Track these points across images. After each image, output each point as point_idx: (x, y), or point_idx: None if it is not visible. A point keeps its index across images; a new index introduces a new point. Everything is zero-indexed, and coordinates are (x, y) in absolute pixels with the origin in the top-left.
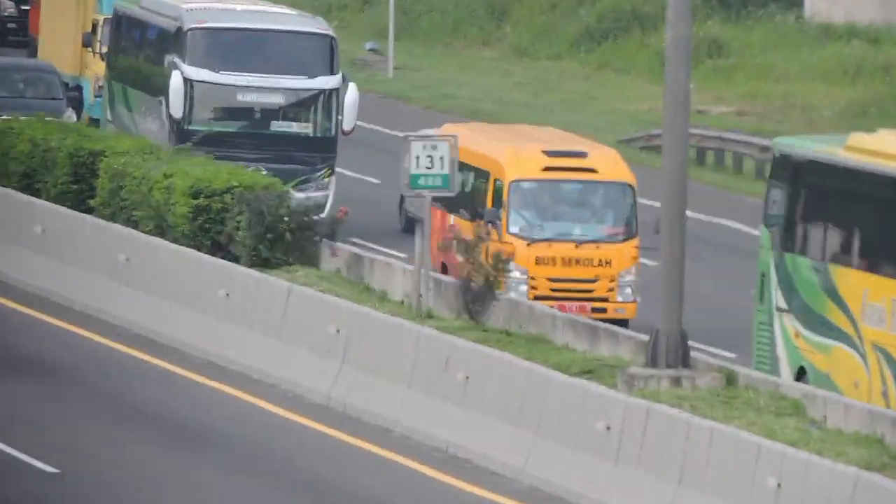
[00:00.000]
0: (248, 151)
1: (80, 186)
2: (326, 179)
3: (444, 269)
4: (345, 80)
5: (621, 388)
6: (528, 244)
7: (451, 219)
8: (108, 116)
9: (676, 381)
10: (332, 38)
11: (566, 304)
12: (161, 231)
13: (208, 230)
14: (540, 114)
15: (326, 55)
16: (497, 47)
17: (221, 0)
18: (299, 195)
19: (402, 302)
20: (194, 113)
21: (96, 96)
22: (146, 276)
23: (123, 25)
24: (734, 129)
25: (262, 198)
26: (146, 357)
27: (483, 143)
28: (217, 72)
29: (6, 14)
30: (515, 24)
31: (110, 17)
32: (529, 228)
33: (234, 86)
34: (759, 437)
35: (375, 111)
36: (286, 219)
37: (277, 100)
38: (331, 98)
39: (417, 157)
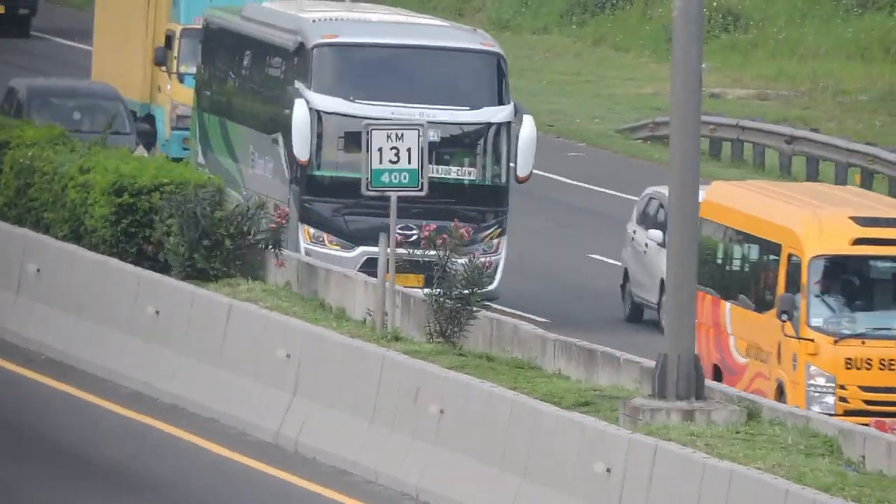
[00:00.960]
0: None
1: None
2: (496, 241)
3: (718, 374)
4: (517, 112)
5: (624, 424)
6: (836, 342)
7: (727, 308)
8: (200, 158)
9: (689, 415)
10: (499, 56)
11: (887, 421)
12: (77, 236)
13: (133, 235)
14: (523, 98)
15: (493, 79)
16: (474, 18)
17: (351, 7)
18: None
19: (364, 321)
20: (323, 154)
21: (174, 128)
22: (60, 291)
23: (219, 41)
24: (754, 117)
25: (197, 198)
26: (61, 385)
27: (769, 206)
28: (351, 101)
29: None
30: None
31: (190, 27)
32: (837, 321)
33: (375, 119)
34: (786, 480)
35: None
36: (225, 223)
37: (430, 137)
38: (500, 135)
39: (380, 150)
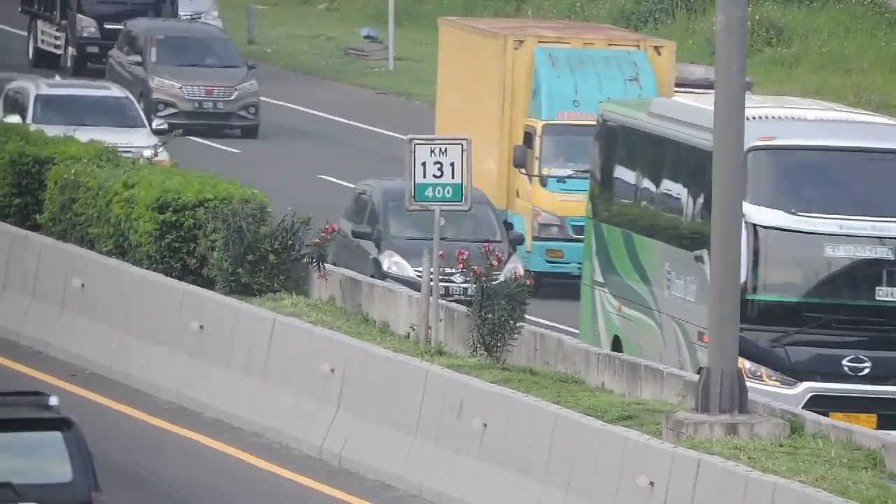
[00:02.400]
0: (841, 331)
1: (24, 200)
2: None
3: None
4: None
5: (667, 437)
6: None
7: None
8: (598, 276)
9: (732, 429)
10: None
11: None
12: (122, 251)
13: (177, 250)
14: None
15: None
16: None
17: (780, 102)
18: None
19: (408, 335)
20: (761, 274)
21: (536, 238)
22: (105, 306)
23: (621, 140)
24: None
25: (242, 213)
26: (105, 400)
27: None
28: (793, 213)
29: (85, 35)
30: (538, 5)
31: (552, 122)
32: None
33: (820, 234)
34: (829, 494)
35: (373, 110)
36: (269, 238)
37: (887, 255)
38: None
39: (424, 164)
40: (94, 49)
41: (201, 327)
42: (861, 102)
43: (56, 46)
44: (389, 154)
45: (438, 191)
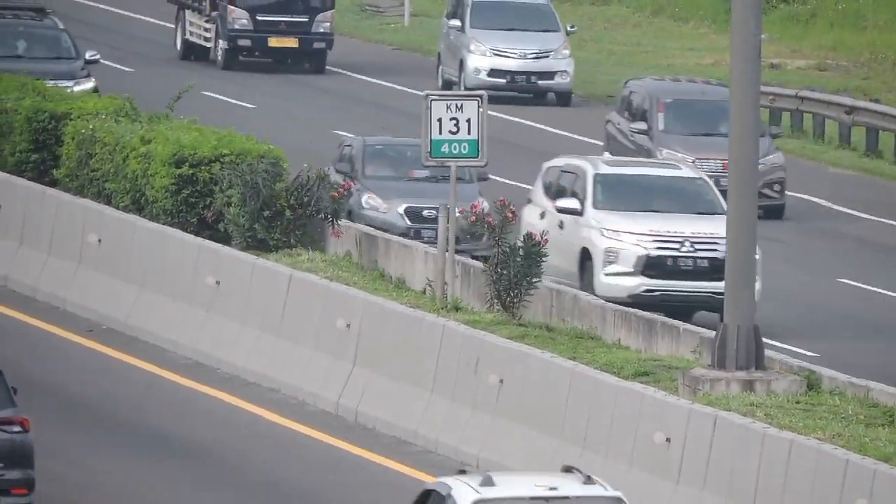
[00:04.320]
0: None
1: (41, 155)
2: None
3: None
4: None
5: (683, 394)
6: None
7: None
8: None
9: (748, 385)
10: None
11: None
12: (138, 207)
13: (194, 206)
14: (584, 68)
15: None
16: None
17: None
18: None
19: (424, 291)
20: None
21: None
22: (121, 261)
23: None
24: (814, 87)
25: (258, 168)
26: (122, 356)
27: None
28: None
29: (237, 28)
30: None
31: None
32: None
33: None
34: (846, 450)
35: (389, 66)
36: (285, 193)
37: None
38: None
39: (440, 120)
40: (245, 42)
41: (217, 283)
42: (877, 58)
43: (206, 39)
44: (404, 109)
45: (454, 147)
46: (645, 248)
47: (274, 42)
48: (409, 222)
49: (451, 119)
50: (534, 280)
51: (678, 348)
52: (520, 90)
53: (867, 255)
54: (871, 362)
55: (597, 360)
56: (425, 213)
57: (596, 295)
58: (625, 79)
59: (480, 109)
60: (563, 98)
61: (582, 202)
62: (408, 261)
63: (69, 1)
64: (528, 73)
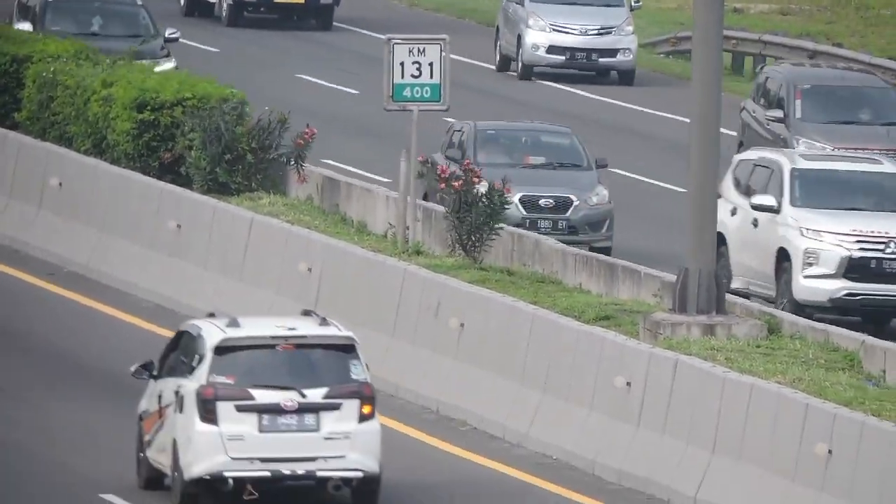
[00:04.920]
0: None
1: (2, 98)
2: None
3: None
4: None
5: (644, 338)
6: None
7: None
8: None
9: (709, 330)
10: None
11: None
12: (100, 150)
13: (155, 149)
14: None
15: None
16: None
17: None
18: None
19: (386, 235)
20: None
21: None
22: (82, 204)
23: None
24: (777, 31)
25: (219, 112)
26: (84, 299)
27: None
28: None
29: None
30: None
31: None
32: None
33: None
34: (806, 395)
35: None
36: (247, 137)
37: None
38: None
39: (402, 64)
40: None
41: (179, 226)
42: (840, 2)
43: None
44: (367, 54)
45: (416, 91)
46: (847, 248)
47: None
48: (524, 212)
49: (414, 63)
50: (496, 227)
51: (639, 293)
52: (580, 68)
53: None
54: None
55: (558, 305)
56: (542, 202)
57: (795, 300)
58: None
59: (443, 53)
60: (626, 77)
61: (779, 199)
62: (369, 205)
63: None
64: (588, 51)
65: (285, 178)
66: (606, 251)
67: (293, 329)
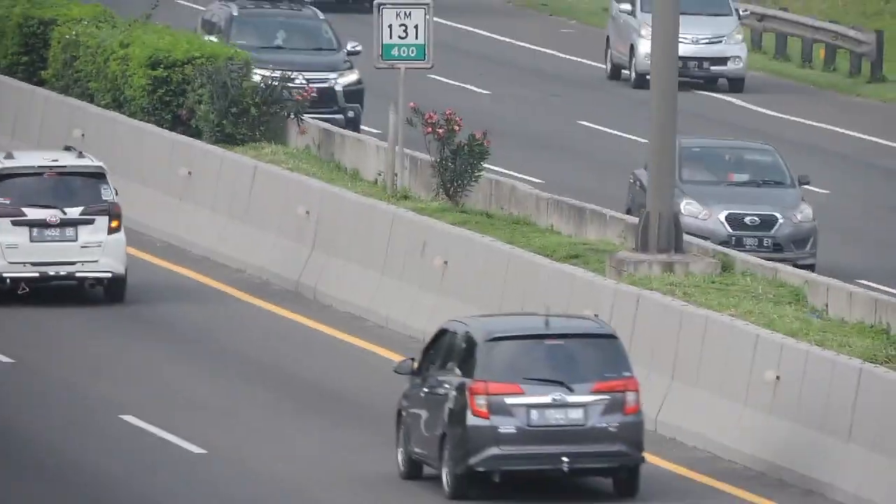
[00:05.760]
0: None
1: (30, 57)
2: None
3: None
4: None
5: (610, 275)
6: None
7: None
8: None
9: (668, 267)
10: None
11: None
12: (118, 104)
13: (168, 103)
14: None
15: None
16: None
17: None
18: None
19: (376, 181)
20: None
21: None
22: (102, 153)
23: None
24: None
25: (226, 69)
26: None
27: None
28: None
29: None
30: None
31: None
32: None
33: None
34: (756, 326)
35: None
36: (251, 92)
37: None
38: None
39: (390, 26)
40: None
41: (189, 173)
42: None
43: None
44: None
45: (403, 50)
46: None
47: None
48: (730, 229)
49: (401, 25)
50: (476, 173)
51: (605, 233)
52: (692, 76)
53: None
54: None
55: (532, 244)
56: (747, 219)
57: None
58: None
59: (427, 17)
60: (736, 84)
61: None
62: (361, 154)
63: None
64: (700, 59)
65: (286, 130)
66: (811, 268)
67: (55, 160)
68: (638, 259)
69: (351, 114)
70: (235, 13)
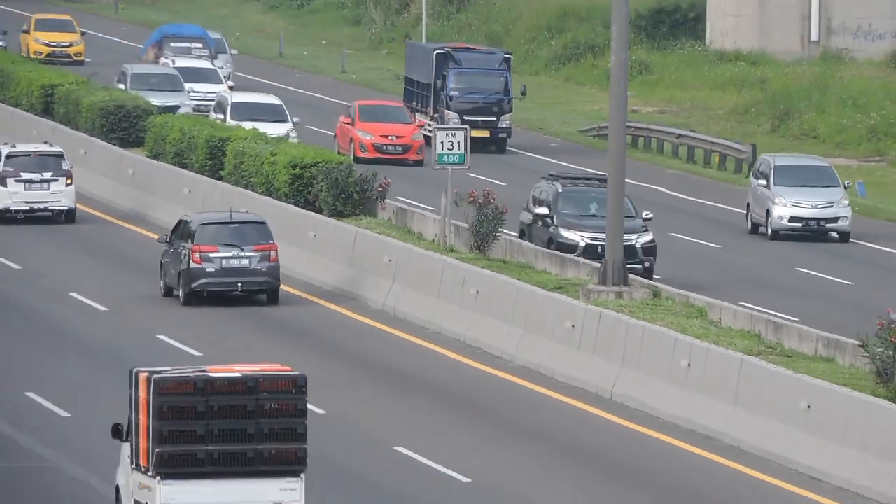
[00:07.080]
0: None
1: (214, 162)
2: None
3: None
4: None
5: (582, 299)
6: None
7: None
8: None
9: (619, 295)
10: None
11: None
12: (269, 192)
13: (302, 191)
14: (532, 114)
15: None
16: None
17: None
18: None
19: (433, 241)
20: None
21: None
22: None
23: None
24: (658, 123)
25: (338, 170)
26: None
27: None
28: None
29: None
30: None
31: None
32: None
33: None
34: (675, 332)
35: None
36: (354, 183)
37: None
38: None
39: (442, 142)
40: None
41: (314, 236)
42: (694, 107)
43: (429, 131)
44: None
45: (451, 158)
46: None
47: (473, 133)
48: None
49: (449, 140)
50: (496, 234)
51: (580, 273)
52: (811, 231)
53: (671, 215)
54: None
55: (532, 279)
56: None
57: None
58: (561, 120)
59: (466, 134)
60: (843, 236)
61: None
62: (424, 223)
63: None
64: (818, 219)
65: (375, 208)
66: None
67: (38, 149)
68: (600, 290)
69: (647, 264)
70: (560, 190)
